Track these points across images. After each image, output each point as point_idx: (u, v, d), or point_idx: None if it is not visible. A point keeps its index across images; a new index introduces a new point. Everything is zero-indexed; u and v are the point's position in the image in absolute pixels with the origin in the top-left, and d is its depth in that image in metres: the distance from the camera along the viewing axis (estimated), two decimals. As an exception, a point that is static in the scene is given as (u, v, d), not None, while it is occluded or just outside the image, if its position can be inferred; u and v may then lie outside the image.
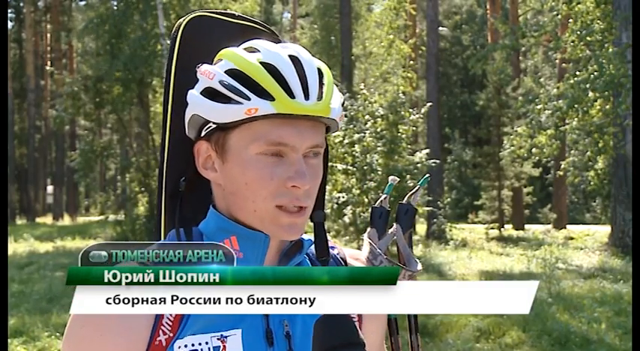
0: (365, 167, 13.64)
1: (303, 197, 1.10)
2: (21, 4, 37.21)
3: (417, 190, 1.35)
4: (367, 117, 14.42)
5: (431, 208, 17.31)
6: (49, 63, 34.80)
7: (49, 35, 36.60)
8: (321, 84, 1.10)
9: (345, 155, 13.94)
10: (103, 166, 37.73)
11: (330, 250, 1.24)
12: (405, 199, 1.35)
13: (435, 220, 18.57)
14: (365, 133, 14.09)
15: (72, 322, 1.09)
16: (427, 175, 1.47)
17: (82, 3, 33.80)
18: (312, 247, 1.21)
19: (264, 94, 1.06)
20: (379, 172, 13.53)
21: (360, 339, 0.97)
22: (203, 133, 1.13)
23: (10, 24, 36.55)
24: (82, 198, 42.60)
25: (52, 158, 38.91)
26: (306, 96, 1.07)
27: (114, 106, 19.69)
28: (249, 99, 1.06)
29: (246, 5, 19.67)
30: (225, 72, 1.10)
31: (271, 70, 1.08)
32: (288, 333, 1.12)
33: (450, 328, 7.25)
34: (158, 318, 1.08)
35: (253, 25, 1.28)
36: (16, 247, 16.33)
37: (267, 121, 1.07)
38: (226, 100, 1.08)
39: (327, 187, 14.42)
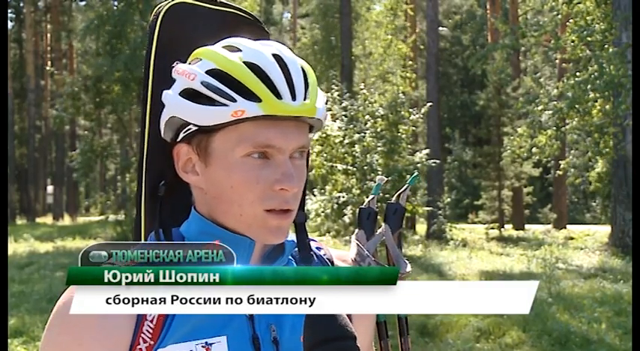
0: (365, 167, 13.65)
1: (291, 200, 1.06)
2: (21, 4, 37.20)
3: (406, 189, 1.32)
4: (367, 117, 14.43)
5: (431, 208, 17.33)
6: (49, 63, 34.77)
7: (49, 35, 36.58)
8: (306, 84, 1.07)
9: (345, 155, 13.95)
10: (103, 166, 37.74)
11: (317, 251, 1.21)
12: (394, 198, 1.31)
13: (435, 220, 18.58)
14: (365, 133, 14.10)
15: (49, 329, 1.06)
16: (416, 174, 1.45)
17: (82, 3, 33.76)
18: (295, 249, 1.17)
19: (250, 95, 1.02)
20: (379, 172, 13.53)
21: (351, 332, 0.96)
22: (182, 136, 1.08)
23: (10, 24, 36.56)
24: (82, 198, 42.55)
25: (52, 158, 38.90)
26: (293, 96, 1.04)
27: (114, 106, 19.70)
28: (234, 100, 1.02)
29: (245, 5, 19.68)
30: (207, 72, 1.05)
31: (255, 69, 1.04)
32: (275, 338, 1.09)
33: (450, 328, 7.25)
34: (138, 325, 1.04)
35: (237, 12, 1.23)
36: (16, 247, 16.32)
37: (253, 122, 1.03)
38: (210, 101, 1.03)
39: (327, 187, 14.44)
